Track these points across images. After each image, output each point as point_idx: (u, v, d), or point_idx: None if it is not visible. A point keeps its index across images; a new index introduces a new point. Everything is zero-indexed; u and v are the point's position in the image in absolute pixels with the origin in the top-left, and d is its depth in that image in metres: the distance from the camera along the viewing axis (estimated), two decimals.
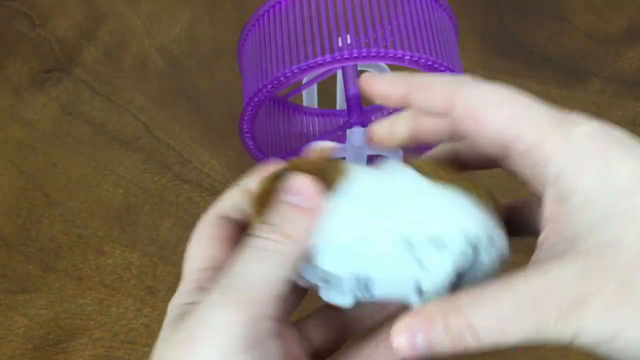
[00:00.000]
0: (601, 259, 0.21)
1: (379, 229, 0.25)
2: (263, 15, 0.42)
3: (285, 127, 0.52)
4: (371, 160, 0.47)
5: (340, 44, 0.38)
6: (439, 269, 0.25)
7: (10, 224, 0.56)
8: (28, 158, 0.59)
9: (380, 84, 0.26)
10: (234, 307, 0.24)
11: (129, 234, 0.55)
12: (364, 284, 0.26)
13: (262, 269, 0.25)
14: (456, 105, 0.24)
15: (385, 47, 0.37)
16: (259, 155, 0.48)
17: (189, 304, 0.28)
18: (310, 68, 0.38)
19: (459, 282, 0.26)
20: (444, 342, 0.22)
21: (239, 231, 0.29)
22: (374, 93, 0.26)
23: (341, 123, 0.52)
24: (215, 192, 0.56)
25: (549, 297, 0.21)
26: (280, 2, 0.41)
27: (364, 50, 0.37)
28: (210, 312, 0.25)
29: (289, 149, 0.51)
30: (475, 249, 0.25)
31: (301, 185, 0.25)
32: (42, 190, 0.57)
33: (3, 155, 0.59)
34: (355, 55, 0.37)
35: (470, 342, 0.22)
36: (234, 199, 0.29)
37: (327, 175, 0.26)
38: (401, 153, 0.44)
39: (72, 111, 0.62)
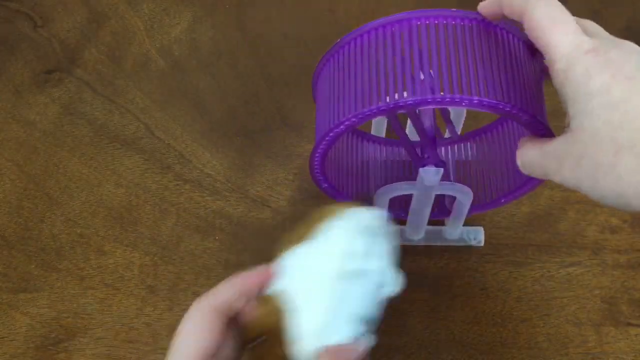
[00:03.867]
0: (570, 140, 0.32)
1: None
2: (345, 46, 0.40)
3: (351, 154, 0.51)
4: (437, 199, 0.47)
5: (422, 84, 0.37)
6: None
7: (12, 224, 0.56)
8: (30, 158, 0.59)
9: (483, 5, 0.37)
10: None
11: (130, 234, 0.55)
12: None
13: None
14: (525, 20, 0.34)
15: (470, 92, 0.36)
16: (321, 179, 0.47)
17: None
18: (398, 107, 0.36)
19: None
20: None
21: (228, 324, 0.35)
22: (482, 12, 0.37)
23: (404, 154, 0.52)
24: (215, 192, 0.57)
25: (549, 156, 0.34)
26: (363, 35, 0.40)
27: (448, 96, 0.35)
28: None
29: (351, 175, 0.50)
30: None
31: None
32: (44, 190, 0.57)
33: (5, 155, 0.60)
34: (439, 99, 0.36)
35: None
36: (228, 295, 0.35)
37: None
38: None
39: (74, 111, 0.62)
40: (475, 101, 0.35)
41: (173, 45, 0.66)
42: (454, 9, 0.38)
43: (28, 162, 0.59)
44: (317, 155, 0.42)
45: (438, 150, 0.47)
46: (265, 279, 0.36)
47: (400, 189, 0.46)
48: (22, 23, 0.68)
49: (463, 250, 0.53)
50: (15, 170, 0.59)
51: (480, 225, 0.53)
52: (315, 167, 0.44)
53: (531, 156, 0.36)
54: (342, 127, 0.38)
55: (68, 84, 0.64)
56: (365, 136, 0.52)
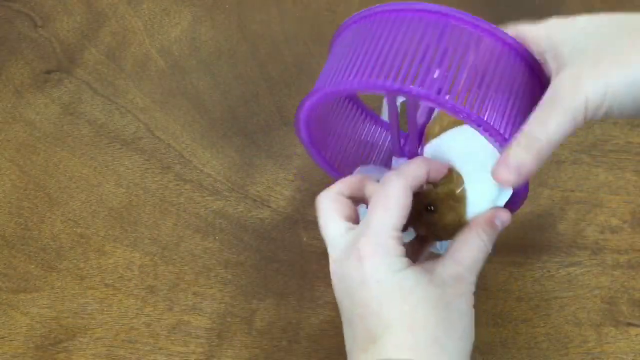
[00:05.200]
0: (578, 58, 0.33)
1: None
2: (378, 14, 0.39)
3: (341, 119, 0.50)
4: None
5: (435, 82, 0.36)
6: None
7: (12, 224, 0.56)
8: (30, 158, 0.59)
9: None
10: None
11: (130, 234, 0.55)
12: None
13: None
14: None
15: (476, 107, 0.35)
16: (311, 148, 0.46)
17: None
18: (402, 92, 0.36)
19: None
20: (527, 159, 0.34)
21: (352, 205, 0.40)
22: None
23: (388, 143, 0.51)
24: (216, 192, 0.57)
25: (558, 86, 0.34)
26: (400, 12, 0.39)
27: (451, 102, 0.34)
28: None
29: (333, 136, 0.49)
30: None
31: None
32: (44, 190, 0.58)
33: (5, 156, 0.60)
34: (442, 102, 0.35)
35: (540, 145, 0.34)
36: (347, 186, 0.40)
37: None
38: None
39: (74, 111, 0.62)
40: (474, 118, 0.35)
41: (173, 45, 0.66)
42: (496, 26, 0.38)
43: (28, 162, 0.59)
44: (307, 103, 0.41)
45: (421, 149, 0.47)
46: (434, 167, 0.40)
47: (370, 171, 0.45)
48: (22, 23, 0.68)
49: None
50: (15, 170, 0.59)
51: None
52: (302, 116, 0.43)
53: (539, 113, 0.34)
54: (342, 87, 0.38)
55: (68, 84, 0.64)
56: (364, 110, 0.51)
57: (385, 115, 0.53)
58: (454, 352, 0.35)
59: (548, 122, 0.33)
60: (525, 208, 0.55)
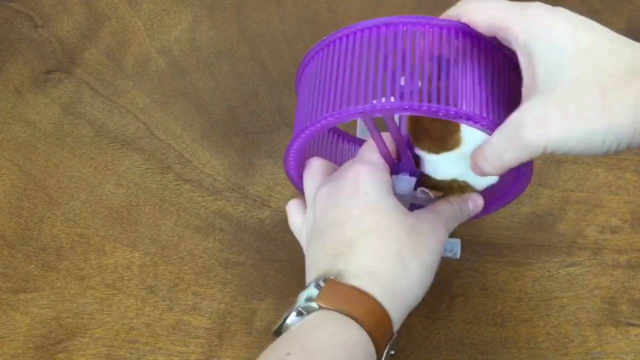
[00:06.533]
0: (549, 97, 0.34)
1: None
2: (330, 44, 0.40)
3: (330, 154, 0.50)
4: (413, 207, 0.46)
5: (403, 90, 0.36)
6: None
7: (12, 224, 0.56)
8: (30, 158, 0.59)
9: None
10: None
11: (130, 234, 0.55)
12: None
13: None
14: (477, 26, 0.38)
15: (448, 101, 0.35)
16: (295, 177, 0.47)
17: None
18: (376, 111, 0.36)
19: None
20: (485, 168, 0.37)
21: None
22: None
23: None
24: (216, 191, 0.57)
25: (523, 121, 0.34)
26: (349, 35, 0.39)
27: (434, 105, 0.35)
28: None
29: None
30: None
31: None
32: (44, 190, 0.58)
33: (5, 155, 0.60)
34: (415, 106, 0.35)
35: (489, 166, 0.37)
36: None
37: None
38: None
39: (74, 111, 0.62)
40: (452, 112, 0.35)
41: (173, 45, 0.66)
42: (441, 18, 0.38)
43: (28, 162, 0.59)
44: (292, 150, 0.43)
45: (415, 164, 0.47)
46: None
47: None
48: (22, 23, 0.68)
49: (463, 250, 0.53)
50: (15, 170, 0.59)
51: (458, 238, 0.53)
52: (290, 162, 0.44)
53: (498, 142, 0.36)
54: (318, 125, 0.38)
55: (68, 84, 0.64)
56: (346, 136, 0.51)
57: (359, 133, 0.53)
58: (411, 275, 0.39)
59: (504, 155, 0.35)
60: (526, 208, 0.55)
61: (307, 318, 0.37)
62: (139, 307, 0.52)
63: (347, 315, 0.36)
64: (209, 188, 0.57)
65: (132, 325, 0.51)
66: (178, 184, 0.57)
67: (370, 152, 0.43)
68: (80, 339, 0.51)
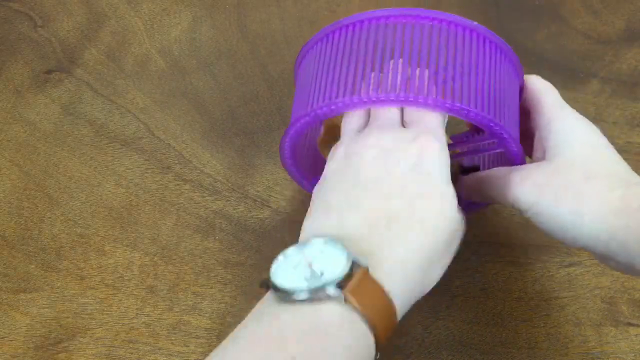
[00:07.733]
0: (549, 167, 0.40)
1: None
2: (331, 33, 0.40)
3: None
4: None
5: (399, 83, 0.37)
6: None
7: (12, 224, 0.56)
8: (30, 158, 0.59)
9: None
10: None
11: (130, 234, 0.55)
12: None
13: None
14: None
15: (444, 95, 0.36)
16: (294, 170, 0.47)
17: None
18: (372, 102, 0.37)
19: None
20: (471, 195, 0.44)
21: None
22: None
23: None
24: (216, 192, 0.57)
25: (523, 182, 0.40)
26: (349, 26, 0.39)
27: (430, 99, 0.35)
28: None
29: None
30: None
31: None
32: (44, 190, 0.58)
33: (5, 156, 0.60)
34: (412, 99, 0.36)
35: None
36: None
37: None
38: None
39: (74, 112, 0.62)
40: (448, 104, 0.36)
41: (173, 45, 0.66)
42: (433, 10, 0.39)
43: (28, 162, 0.59)
44: (287, 139, 0.43)
45: None
46: None
47: None
48: (22, 23, 0.68)
49: (462, 250, 0.53)
50: (15, 170, 0.59)
51: None
52: (286, 150, 0.44)
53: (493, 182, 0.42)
54: (312, 115, 0.39)
55: (68, 84, 0.64)
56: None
57: None
58: (430, 281, 0.37)
59: (487, 195, 0.42)
60: None
61: (324, 311, 0.32)
62: (139, 307, 0.52)
63: (367, 325, 0.32)
64: (209, 188, 0.57)
65: (132, 325, 0.51)
66: (178, 184, 0.57)
67: (431, 119, 0.38)
68: (80, 339, 0.51)
